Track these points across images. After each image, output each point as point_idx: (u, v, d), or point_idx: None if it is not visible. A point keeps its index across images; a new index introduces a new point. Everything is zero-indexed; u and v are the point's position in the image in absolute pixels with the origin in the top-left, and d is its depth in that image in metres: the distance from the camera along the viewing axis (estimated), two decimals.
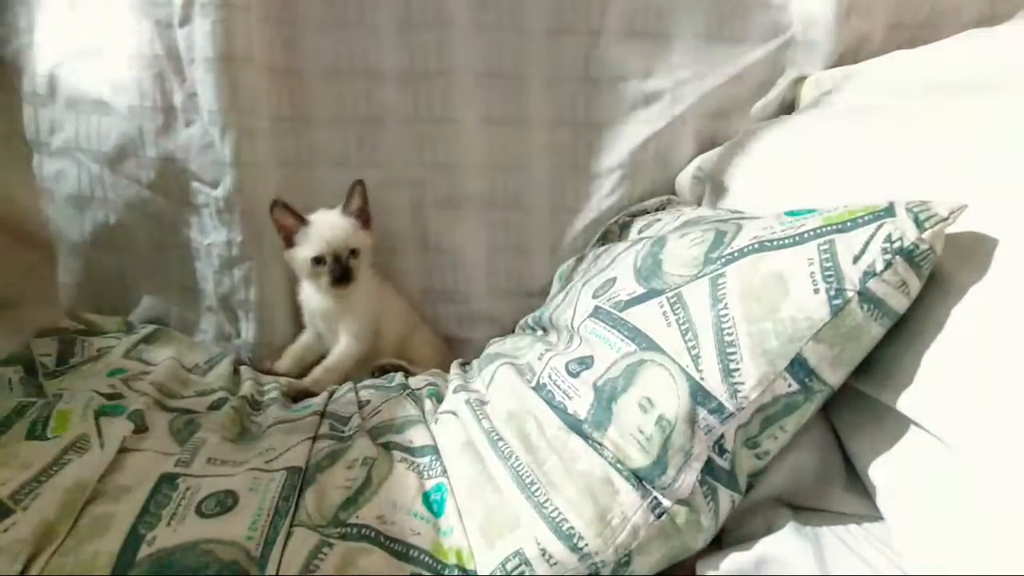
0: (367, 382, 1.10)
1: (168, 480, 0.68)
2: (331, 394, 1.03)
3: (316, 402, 0.98)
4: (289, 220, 1.16)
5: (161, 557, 0.59)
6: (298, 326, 1.32)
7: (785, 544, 0.65)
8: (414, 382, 1.06)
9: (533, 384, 0.82)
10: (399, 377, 1.11)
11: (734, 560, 0.66)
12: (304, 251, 1.15)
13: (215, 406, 0.94)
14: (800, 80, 1.25)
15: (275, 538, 0.61)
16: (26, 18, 1.20)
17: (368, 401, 0.98)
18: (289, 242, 1.17)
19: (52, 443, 0.73)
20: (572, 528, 0.62)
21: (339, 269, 1.15)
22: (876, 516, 0.67)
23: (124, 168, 1.22)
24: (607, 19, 1.23)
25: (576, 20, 1.23)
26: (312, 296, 1.24)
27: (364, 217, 1.20)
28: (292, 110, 1.24)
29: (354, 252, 1.17)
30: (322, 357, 1.24)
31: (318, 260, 1.15)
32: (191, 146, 1.19)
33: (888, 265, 0.60)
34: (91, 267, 1.28)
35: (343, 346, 1.21)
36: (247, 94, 1.16)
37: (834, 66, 1.21)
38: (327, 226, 1.16)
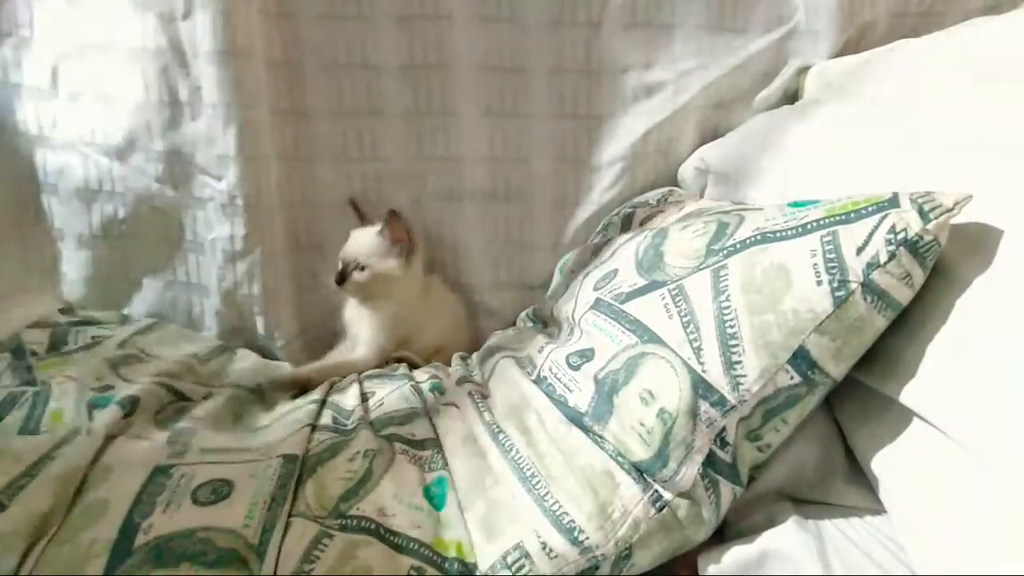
0: (371, 372, 1.10)
1: (162, 470, 0.68)
2: (332, 384, 1.03)
3: (317, 390, 0.97)
4: (356, 220, 1.27)
5: (158, 544, 0.58)
6: (303, 320, 1.33)
7: (787, 537, 0.65)
8: (417, 374, 1.06)
9: (534, 377, 0.82)
10: (402, 369, 1.12)
11: (736, 553, 0.66)
12: None
13: (207, 396, 0.95)
14: (803, 70, 1.23)
15: (273, 526, 0.61)
16: (26, 12, 1.19)
17: (373, 392, 0.98)
18: None
19: (44, 437, 0.73)
20: (573, 521, 0.62)
21: (339, 273, 1.20)
22: (879, 509, 0.66)
23: (133, 161, 1.22)
24: (608, 10, 1.22)
25: (576, 11, 1.23)
26: (345, 300, 1.28)
27: (401, 245, 1.21)
28: (292, 103, 1.24)
29: (361, 267, 1.19)
30: None
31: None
32: (197, 140, 1.19)
33: (892, 257, 0.60)
34: (97, 261, 1.28)
35: (357, 354, 1.23)
36: (249, 87, 1.16)
37: (838, 56, 1.20)
38: (353, 235, 1.23)
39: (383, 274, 1.20)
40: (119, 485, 0.66)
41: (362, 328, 1.24)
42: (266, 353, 1.29)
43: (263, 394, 1.01)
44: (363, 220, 1.26)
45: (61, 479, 0.65)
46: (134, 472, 0.68)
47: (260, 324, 1.28)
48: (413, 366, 1.15)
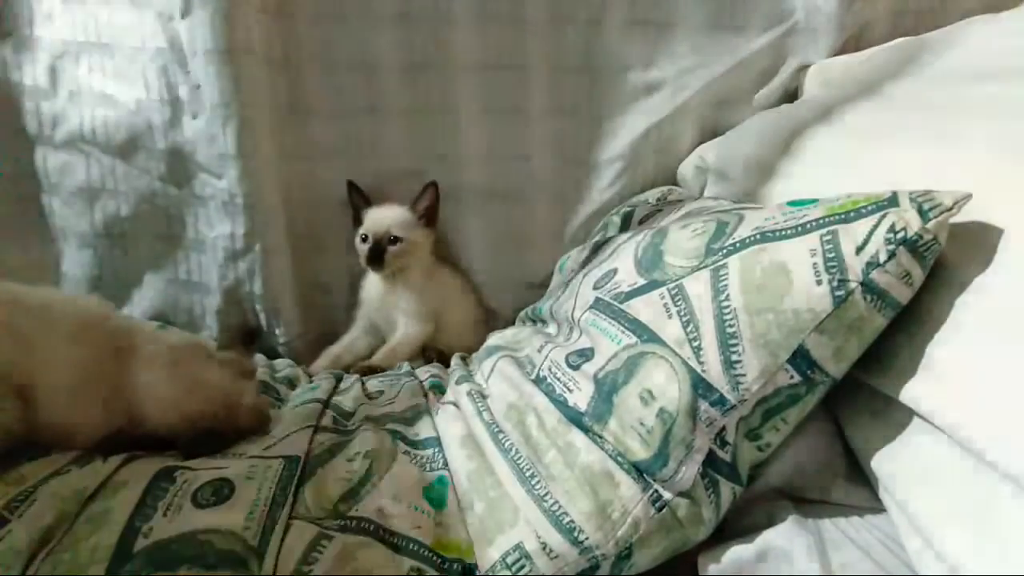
0: (377, 375, 1.11)
1: (165, 474, 0.68)
2: (336, 384, 1.03)
3: (321, 390, 0.98)
4: (358, 201, 1.30)
5: (158, 548, 0.58)
6: (305, 318, 1.33)
7: (787, 536, 0.65)
8: (419, 372, 1.06)
9: (533, 377, 0.82)
10: (406, 366, 1.12)
11: (736, 552, 0.66)
12: (360, 229, 1.27)
13: None
14: (803, 68, 1.24)
15: (273, 528, 0.61)
16: (26, 10, 1.19)
17: (381, 392, 0.98)
18: (357, 221, 1.30)
19: (53, 458, 0.72)
20: (572, 522, 0.62)
21: (374, 251, 1.24)
22: (878, 508, 0.66)
23: (136, 160, 1.23)
24: (608, 8, 1.23)
25: (576, 9, 1.23)
26: (371, 282, 1.32)
27: (429, 216, 1.29)
28: (291, 102, 1.24)
29: (394, 240, 1.24)
30: (362, 358, 1.26)
31: (364, 239, 1.26)
32: (198, 138, 1.19)
33: (891, 256, 0.60)
34: (99, 260, 1.28)
35: (404, 328, 1.28)
36: (248, 86, 1.16)
37: (837, 54, 1.20)
38: (380, 212, 1.27)
39: (415, 243, 1.27)
40: (124, 494, 0.65)
41: (397, 308, 1.29)
42: (268, 351, 1.29)
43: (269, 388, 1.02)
44: (366, 202, 1.29)
45: (67, 498, 0.64)
46: (139, 479, 0.67)
47: (262, 322, 1.29)
48: (443, 359, 1.17)
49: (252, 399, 0.86)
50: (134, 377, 0.78)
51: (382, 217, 1.26)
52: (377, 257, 1.23)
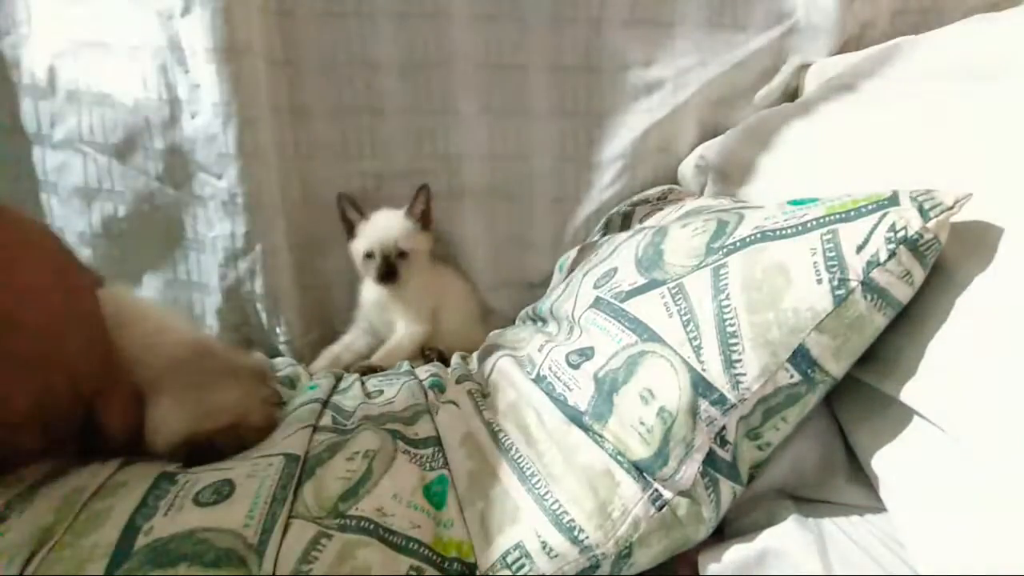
0: (377, 374, 1.11)
1: (167, 476, 0.68)
2: (336, 383, 1.03)
3: (320, 390, 0.98)
4: (351, 213, 1.27)
5: (158, 546, 0.58)
6: (306, 317, 1.33)
7: (787, 536, 0.65)
8: (419, 372, 1.06)
9: (533, 376, 0.82)
10: (406, 365, 1.12)
11: (736, 552, 0.66)
12: (359, 244, 1.25)
13: None
14: (804, 67, 1.24)
15: (273, 527, 0.61)
16: (24, 9, 1.19)
17: (380, 391, 0.98)
18: (351, 234, 1.28)
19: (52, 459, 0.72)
20: (572, 521, 0.62)
21: (385, 267, 1.22)
22: (879, 507, 0.66)
23: (132, 160, 1.22)
24: (608, 7, 1.23)
25: (577, 8, 1.23)
26: (368, 287, 1.31)
27: (425, 220, 1.28)
28: (291, 101, 1.24)
29: (403, 254, 1.24)
30: (362, 358, 1.26)
31: (369, 255, 1.24)
32: (197, 138, 1.19)
33: (892, 255, 0.60)
34: (97, 260, 1.28)
35: (402, 329, 1.27)
36: (248, 85, 1.16)
37: (838, 53, 1.20)
38: (381, 225, 1.25)
39: (420, 252, 1.26)
40: (126, 494, 0.65)
41: (396, 309, 1.28)
42: (269, 350, 1.29)
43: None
44: (360, 213, 1.28)
45: (67, 496, 0.64)
46: (141, 481, 0.67)
47: (263, 321, 1.29)
48: (443, 359, 1.17)
49: (261, 415, 0.83)
50: (148, 404, 0.76)
51: (387, 231, 1.24)
52: (391, 275, 1.22)
